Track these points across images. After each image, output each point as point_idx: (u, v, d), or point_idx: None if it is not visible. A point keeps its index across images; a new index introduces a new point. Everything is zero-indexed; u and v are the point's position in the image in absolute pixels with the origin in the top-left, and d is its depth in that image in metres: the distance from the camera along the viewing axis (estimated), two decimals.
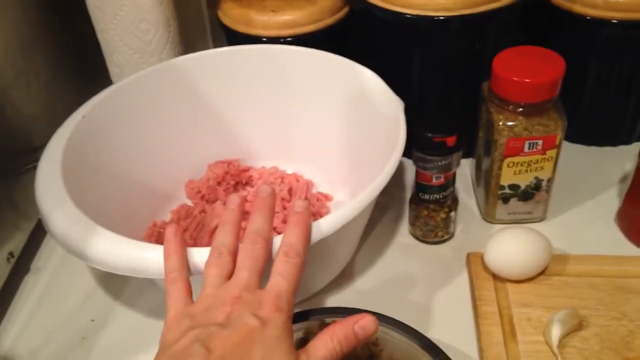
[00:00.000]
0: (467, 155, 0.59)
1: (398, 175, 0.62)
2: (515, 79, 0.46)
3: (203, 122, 0.59)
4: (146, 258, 0.39)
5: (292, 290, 0.36)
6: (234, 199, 0.41)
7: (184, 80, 0.57)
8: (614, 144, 0.62)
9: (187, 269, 0.38)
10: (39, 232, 0.57)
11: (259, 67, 0.57)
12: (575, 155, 0.62)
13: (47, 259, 0.56)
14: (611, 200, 0.56)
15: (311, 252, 0.40)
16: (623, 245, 0.52)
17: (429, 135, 0.47)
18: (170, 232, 0.39)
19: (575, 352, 0.43)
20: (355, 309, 0.44)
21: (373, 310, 0.41)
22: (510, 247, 0.47)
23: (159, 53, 0.59)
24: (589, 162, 0.62)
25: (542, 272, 0.49)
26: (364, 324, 0.35)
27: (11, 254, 0.52)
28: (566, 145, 0.63)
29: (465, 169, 0.61)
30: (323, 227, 0.40)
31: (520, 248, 0.47)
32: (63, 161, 0.46)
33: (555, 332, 0.43)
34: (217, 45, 0.70)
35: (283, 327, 0.34)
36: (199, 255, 0.38)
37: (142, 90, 0.55)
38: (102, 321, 0.50)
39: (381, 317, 0.42)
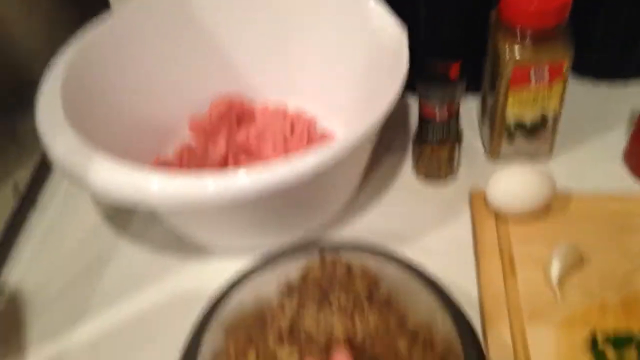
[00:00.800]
0: (474, 90, 0.58)
1: (403, 114, 0.61)
2: (522, 2, 0.45)
3: (206, 53, 0.57)
4: (149, 186, 0.39)
5: None
6: None
7: (186, 7, 0.55)
8: (625, 76, 0.60)
9: None
10: (44, 168, 0.57)
11: None
12: (585, 93, 0.60)
13: (52, 195, 0.56)
14: (620, 139, 0.55)
15: (313, 182, 0.40)
16: (630, 185, 0.52)
17: (432, 64, 0.46)
18: None
19: (574, 287, 0.43)
20: (357, 242, 0.44)
21: (374, 244, 0.41)
22: (512, 184, 0.47)
23: None
24: (599, 99, 0.60)
25: (545, 210, 0.48)
26: None
27: (16, 188, 0.53)
28: (575, 82, 0.62)
29: (471, 108, 0.60)
30: (325, 154, 0.39)
31: (522, 185, 0.46)
32: (63, 90, 0.45)
33: (555, 268, 0.43)
34: None
35: None
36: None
37: (143, 18, 0.53)
38: (106, 257, 0.51)
39: (381, 252, 0.42)
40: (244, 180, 0.38)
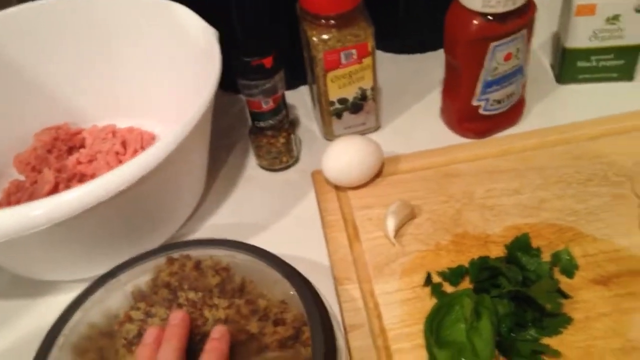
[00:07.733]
0: (304, 80, 0.61)
1: (240, 112, 0.62)
2: None
3: (20, 89, 0.55)
4: None
5: None
6: (150, 333, 0.37)
7: None
8: (434, 48, 0.66)
9: None
10: None
11: (69, 19, 0.54)
12: (401, 65, 0.65)
13: None
14: (437, 100, 0.60)
15: (155, 193, 0.40)
16: (449, 137, 0.56)
17: (246, 59, 0.47)
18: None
19: (411, 238, 0.47)
20: (204, 238, 0.45)
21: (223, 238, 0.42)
22: (341, 157, 0.49)
23: None
24: (415, 69, 0.65)
25: (378, 175, 0.52)
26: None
27: None
28: (392, 57, 0.67)
29: (304, 96, 0.63)
30: (148, 158, 0.39)
31: (351, 155, 0.49)
32: None
33: (390, 224, 0.46)
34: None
35: None
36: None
37: None
38: None
39: (228, 242, 0.43)
40: (60, 199, 0.37)
